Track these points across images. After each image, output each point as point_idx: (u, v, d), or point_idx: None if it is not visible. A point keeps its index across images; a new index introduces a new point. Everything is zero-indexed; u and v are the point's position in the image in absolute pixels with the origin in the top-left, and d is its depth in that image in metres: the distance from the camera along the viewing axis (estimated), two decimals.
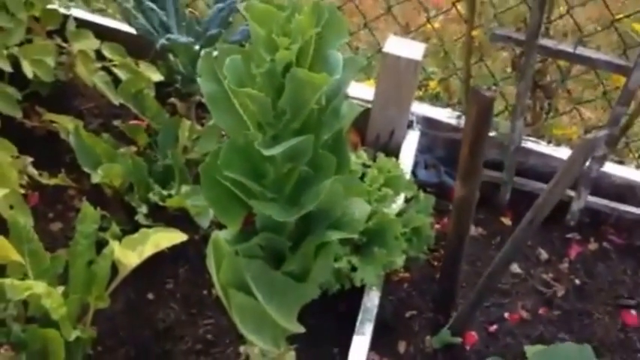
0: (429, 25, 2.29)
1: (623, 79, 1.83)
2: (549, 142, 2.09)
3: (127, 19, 1.73)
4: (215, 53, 1.18)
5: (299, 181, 1.20)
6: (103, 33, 1.97)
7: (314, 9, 1.09)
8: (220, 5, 1.79)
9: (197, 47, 1.78)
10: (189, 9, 2.08)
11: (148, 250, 1.50)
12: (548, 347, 1.46)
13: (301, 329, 1.37)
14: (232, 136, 1.17)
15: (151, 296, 1.72)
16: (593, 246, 2.00)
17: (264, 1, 1.11)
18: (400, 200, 1.75)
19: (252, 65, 1.11)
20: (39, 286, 1.35)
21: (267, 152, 1.08)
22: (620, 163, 2.17)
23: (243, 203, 1.21)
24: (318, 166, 1.18)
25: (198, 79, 1.18)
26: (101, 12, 2.16)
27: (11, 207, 1.56)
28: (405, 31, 2.33)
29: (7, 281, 1.34)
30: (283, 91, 1.09)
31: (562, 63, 1.99)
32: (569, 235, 2.01)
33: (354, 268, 1.60)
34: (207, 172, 1.19)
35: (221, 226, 1.32)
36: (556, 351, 1.43)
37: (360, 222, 1.22)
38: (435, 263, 1.89)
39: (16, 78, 1.76)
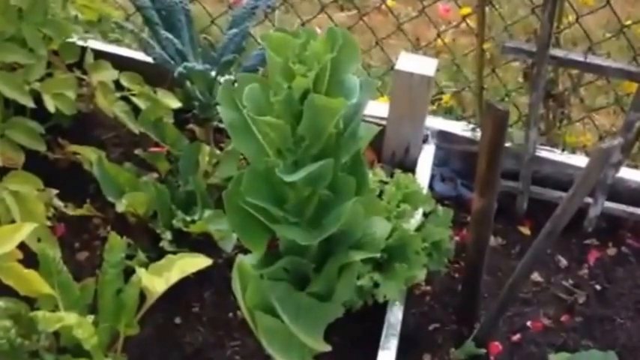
0: (439, 40, 2.31)
1: (634, 85, 1.85)
2: (563, 149, 2.11)
3: (144, 49, 1.77)
4: (229, 77, 1.20)
5: (320, 204, 1.23)
6: (119, 62, 2.00)
7: (328, 35, 1.12)
8: (234, 31, 1.82)
9: (213, 73, 1.82)
10: (204, 35, 2.12)
11: (174, 276, 1.52)
12: (572, 355, 1.47)
13: (327, 348, 1.40)
14: (253, 163, 1.20)
15: (178, 320, 1.74)
16: (611, 251, 2.01)
17: (280, 29, 1.15)
18: (419, 215, 1.77)
19: (270, 93, 1.14)
20: (70, 318, 1.38)
21: (288, 179, 1.11)
22: (635, 167, 2.18)
23: (266, 228, 1.23)
24: (338, 189, 1.20)
25: (218, 108, 1.21)
26: (117, 42, 2.20)
27: (39, 239, 1.60)
28: (416, 46, 2.36)
29: (39, 314, 1.37)
30: (301, 117, 1.13)
31: (573, 71, 2.01)
32: (587, 241, 2.03)
33: (376, 285, 1.61)
34: (230, 199, 1.23)
35: (244, 249, 1.35)
36: (581, 358, 1.43)
37: (381, 241, 1.25)
38: (456, 275, 1.91)
39: (38, 111, 1.79)
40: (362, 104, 1.16)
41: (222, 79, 1.84)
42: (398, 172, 1.79)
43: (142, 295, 1.52)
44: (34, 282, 1.39)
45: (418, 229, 1.73)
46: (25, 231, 1.37)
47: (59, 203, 1.75)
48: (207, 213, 1.72)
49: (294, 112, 1.13)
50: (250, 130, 1.20)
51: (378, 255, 1.25)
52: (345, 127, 1.17)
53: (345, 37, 1.12)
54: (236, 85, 1.81)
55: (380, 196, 1.74)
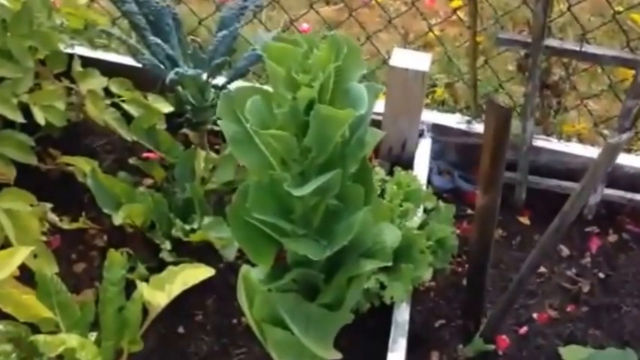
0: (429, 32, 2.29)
1: (629, 71, 1.84)
2: (560, 138, 2.09)
3: (134, 55, 1.73)
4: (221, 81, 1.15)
5: (327, 213, 1.21)
6: (108, 68, 1.96)
7: (331, 43, 1.09)
8: (224, 32, 1.78)
9: (204, 76, 1.78)
10: (191, 36, 2.07)
11: (177, 288, 1.50)
12: (591, 354, 1.45)
13: (338, 356, 1.38)
14: (258, 177, 1.17)
15: (181, 330, 1.72)
16: (612, 238, 2.01)
17: (280, 39, 1.11)
18: (420, 212, 1.75)
19: (274, 105, 1.11)
20: (72, 340, 1.34)
21: (297, 193, 1.08)
22: (628, 151, 2.17)
23: (273, 240, 1.21)
24: (347, 198, 1.18)
25: (219, 122, 1.18)
26: (104, 47, 2.15)
27: (35, 255, 1.56)
28: (406, 39, 2.33)
29: (41, 338, 1.34)
30: (307, 128, 1.09)
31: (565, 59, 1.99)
32: (587, 229, 2.02)
33: (382, 286, 1.60)
34: (235, 214, 1.20)
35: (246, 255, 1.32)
36: (598, 357, 1.42)
37: (392, 249, 1.23)
38: (459, 269, 1.89)
39: (27, 122, 1.75)
40: (369, 111, 1.13)
41: (214, 82, 1.82)
42: (398, 169, 1.77)
43: (144, 309, 1.50)
44: (33, 307, 1.35)
45: (421, 226, 1.71)
46: (21, 255, 1.34)
47: (54, 218, 1.71)
48: (207, 220, 1.68)
49: (299, 123, 1.10)
50: (253, 143, 1.16)
51: (390, 264, 1.22)
52: (351, 135, 1.14)
53: (349, 44, 1.09)
54: (229, 88, 1.79)
55: (381, 194, 1.72)
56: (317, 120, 1.07)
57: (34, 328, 1.44)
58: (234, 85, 1.83)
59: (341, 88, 1.10)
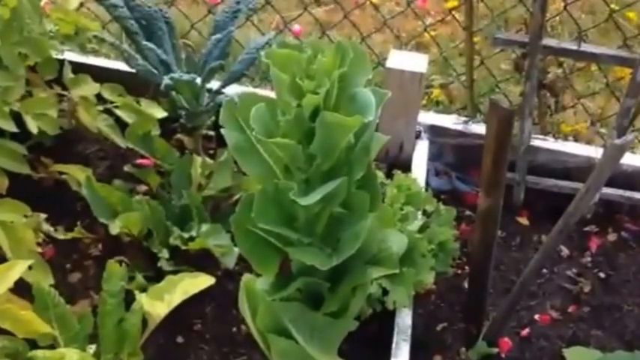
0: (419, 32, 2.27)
1: (624, 69, 1.83)
2: (556, 137, 2.08)
3: (127, 61, 1.70)
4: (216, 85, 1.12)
5: (332, 221, 1.18)
6: (99, 73, 1.93)
7: (337, 48, 1.07)
8: (217, 36, 1.76)
9: (198, 81, 1.75)
10: (183, 40, 2.05)
11: (177, 298, 1.47)
12: (599, 358, 1.44)
13: None
14: (262, 185, 1.14)
15: (180, 340, 1.69)
16: (611, 237, 2.00)
17: (283, 45, 1.09)
18: (419, 214, 1.73)
19: (278, 112, 1.09)
20: (72, 355, 1.31)
21: (304, 202, 1.05)
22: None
23: (278, 249, 1.18)
24: (352, 205, 1.16)
25: (222, 131, 1.15)
26: (94, 52, 2.11)
27: (30, 267, 1.52)
28: (398, 39, 2.31)
29: (39, 353, 1.31)
30: (312, 135, 1.07)
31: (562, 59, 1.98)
32: (586, 229, 2.01)
33: (385, 291, 1.58)
34: (239, 224, 1.17)
35: (245, 262, 1.29)
36: None
37: (398, 255, 1.21)
38: (459, 271, 1.88)
39: (18, 130, 1.71)
40: (375, 117, 1.11)
41: (208, 86, 1.79)
42: (397, 172, 1.75)
43: (143, 319, 1.46)
44: (32, 323, 1.32)
45: (421, 229, 1.69)
46: (18, 269, 1.30)
47: (49, 228, 1.68)
48: (205, 227, 1.66)
49: (305, 130, 1.07)
50: (257, 152, 1.14)
51: (397, 271, 1.19)
52: (356, 141, 1.12)
53: (355, 49, 1.07)
54: (224, 92, 1.77)
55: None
56: (323, 127, 1.05)
57: (31, 343, 1.40)
58: (228, 89, 1.81)
59: (347, 94, 1.08)
